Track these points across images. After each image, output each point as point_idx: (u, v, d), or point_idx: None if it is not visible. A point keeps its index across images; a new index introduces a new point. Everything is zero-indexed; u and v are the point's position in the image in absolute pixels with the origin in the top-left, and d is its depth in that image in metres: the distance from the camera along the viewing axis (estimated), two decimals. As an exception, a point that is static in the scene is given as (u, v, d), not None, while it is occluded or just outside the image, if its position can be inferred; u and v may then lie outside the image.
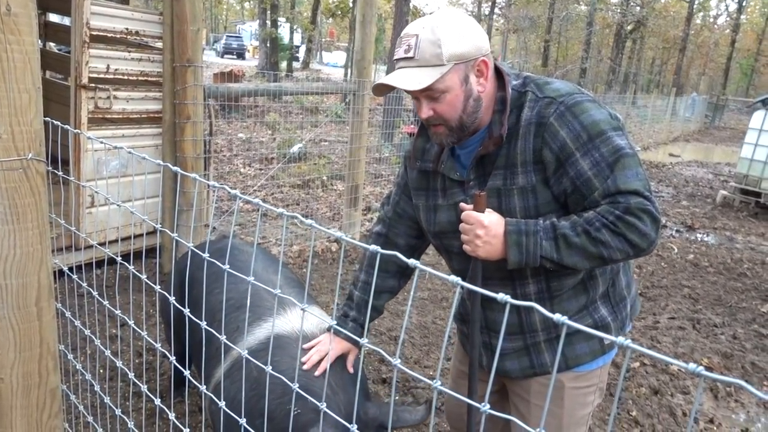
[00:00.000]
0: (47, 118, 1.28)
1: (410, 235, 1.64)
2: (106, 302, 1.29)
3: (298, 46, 32.73)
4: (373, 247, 0.63)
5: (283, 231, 0.71)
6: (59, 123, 1.33)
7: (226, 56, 32.82)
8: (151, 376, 2.71)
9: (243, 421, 0.91)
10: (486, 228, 1.26)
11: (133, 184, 3.71)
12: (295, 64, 27.58)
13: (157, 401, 1.07)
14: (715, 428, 2.88)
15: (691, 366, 0.45)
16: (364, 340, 0.67)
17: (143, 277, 1.10)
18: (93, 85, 3.37)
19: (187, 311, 0.97)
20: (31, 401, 1.27)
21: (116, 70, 3.48)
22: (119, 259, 1.27)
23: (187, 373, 1.01)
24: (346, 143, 5.44)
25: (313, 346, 1.53)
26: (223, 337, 0.98)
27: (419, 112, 1.34)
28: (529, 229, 1.26)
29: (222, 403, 0.94)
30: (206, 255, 0.88)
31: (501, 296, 0.56)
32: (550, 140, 1.27)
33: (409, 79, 1.25)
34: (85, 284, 1.43)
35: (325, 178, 6.93)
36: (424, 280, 4.42)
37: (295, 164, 7.09)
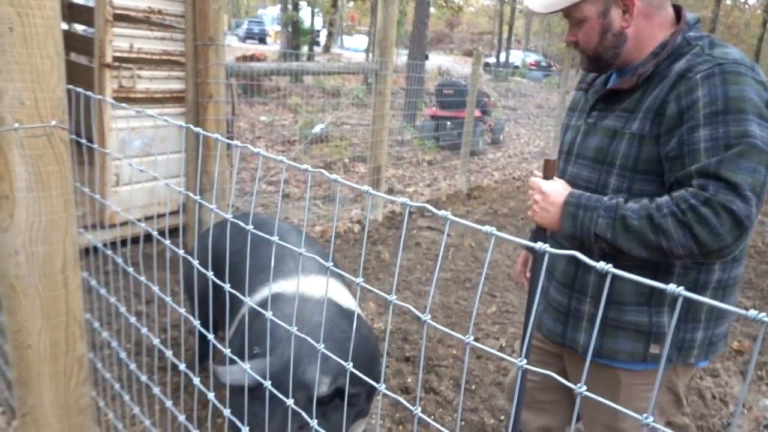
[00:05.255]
0: (70, 86, 1.27)
1: None
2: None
3: (318, 31, 32.63)
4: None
5: (307, 198, 0.69)
6: (82, 90, 1.32)
7: (248, 41, 32.86)
8: (175, 351, 2.73)
9: (267, 383, 0.90)
10: (544, 194, 1.24)
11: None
12: (316, 49, 27.51)
13: (182, 366, 1.07)
14: (745, 411, 2.82)
15: (752, 312, 0.42)
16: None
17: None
18: (117, 64, 3.38)
19: (210, 273, 0.96)
20: (59, 368, 1.28)
21: (139, 49, 3.49)
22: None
23: (210, 336, 1.00)
24: (368, 126, 5.40)
25: None
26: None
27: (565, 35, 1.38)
28: (589, 204, 1.20)
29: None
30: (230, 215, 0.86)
31: (539, 245, 0.53)
32: (683, 95, 1.17)
33: (542, 2, 1.30)
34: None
35: (347, 160, 6.91)
36: (447, 260, 4.39)
37: (317, 146, 7.08)
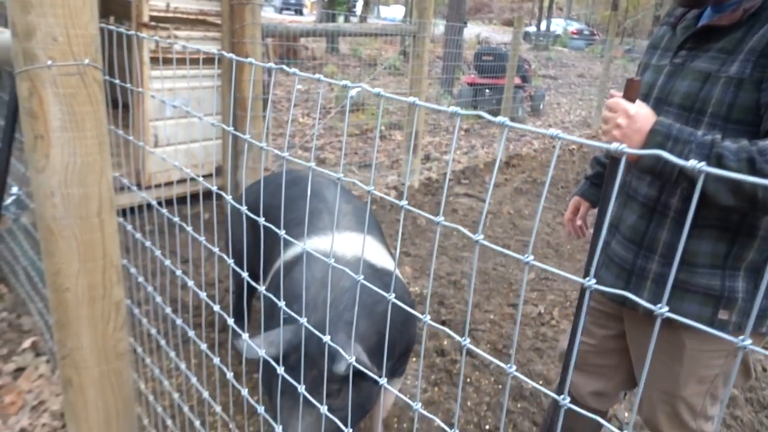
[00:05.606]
0: (103, 24, 1.24)
1: None
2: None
3: (355, 1, 32.24)
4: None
5: (347, 108, 0.63)
6: (113, 27, 1.28)
7: (284, 12, 32.73)
8: (211, 310, 2.76)
9: (282, 303, 0.86)
10: (630, 118, 1.06)
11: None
12: (353, 19, 27.23)
13: (216, 307, 1.04)
14: (798, 385, 2.69)
15: None
16: (440, 218, 0.58)
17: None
18: (154, 23, 3.37)
19: (244, 208, 0.92)
20: (96, 312, 1.27)
21: (176, 8, 3.46)
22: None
23: (245, 274, 0.97)
24: (405, 93, 5.30)
25: None
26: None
27: None
28: (680, 136, 1.04)
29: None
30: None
31: (616, 145, 0.46)
32: None
33: None
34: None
35: (383, 127, 6.83)
36: (485, 227, 4.31)
37: (353, 113, 7.02)
